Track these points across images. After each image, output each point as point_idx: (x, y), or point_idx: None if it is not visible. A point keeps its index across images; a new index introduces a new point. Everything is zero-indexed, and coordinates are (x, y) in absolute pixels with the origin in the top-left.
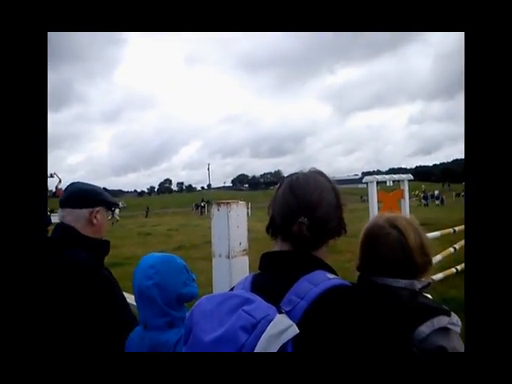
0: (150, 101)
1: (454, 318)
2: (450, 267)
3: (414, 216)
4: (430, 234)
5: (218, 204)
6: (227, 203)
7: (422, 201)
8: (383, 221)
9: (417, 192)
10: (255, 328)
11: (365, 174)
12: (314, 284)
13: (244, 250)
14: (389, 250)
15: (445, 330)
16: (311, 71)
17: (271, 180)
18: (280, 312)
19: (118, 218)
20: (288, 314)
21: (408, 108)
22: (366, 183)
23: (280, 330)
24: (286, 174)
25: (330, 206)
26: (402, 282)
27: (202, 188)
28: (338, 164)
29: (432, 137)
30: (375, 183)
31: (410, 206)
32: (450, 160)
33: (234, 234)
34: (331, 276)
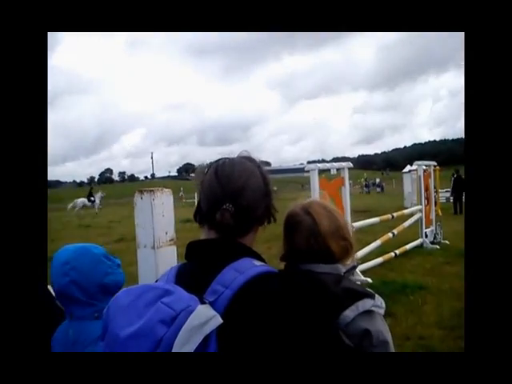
0: (88, 86)
1: (378, 300)
2: (389, 251)
3: (357, 203)
4: (370, 220)
5: (141, 192)
6: (150, 191)
7: (364, 188)
8: (299, 208)
9: (361, 180)
10: (174, 320)
11: (310, 163)
12: (239, 272)
13: (171, 240)
14: (302, 237)
15: (369, 313)
16: (258, 60)
17: None
18: (203, 302)
19: (97, 211)
20: (212, 304)
21: (352, 97)
22: (308, 171)
23: (201, 321)
24: None
25: (257, 193)
26: (326, 267)
27: (146, 178)
28: (285, 153)
29: (374, 126)
30: (316, 171)
31: (352, 194)
32: (390, 149)
33: (159, 223)
34: (258, 263)
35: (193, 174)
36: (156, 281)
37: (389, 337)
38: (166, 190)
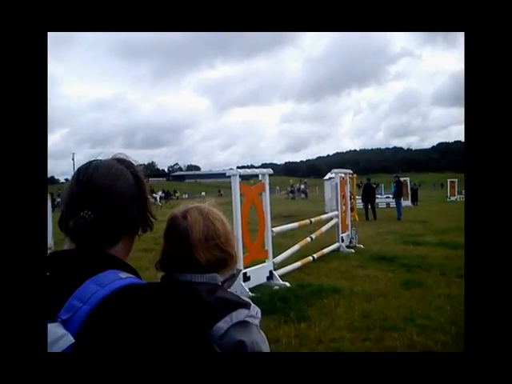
0: None
1: (254, 310)
2: (307, 255)
3: (282, 208)
4: (291, 225)
5: None
6: None
7: (290, 194)
8: (180, 212)
9: (292, 184)
10: None
11: (240, 168)
12: (100, 285)
13: (49, 248)
14: (174, 244)
15: (244, 324)
16: (192, 64)
17: (144, 172)
18: (54, 321)
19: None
20: (66, 321)
21: (280, 107)
22: (230, 176)
23: (50, 341)
24: (160, 167)
25: (125, 198)
26: (202, 277)
27: (67, 180)
28: (216, 158)
29: (300, 135)
30: (237, 176)
31: (278, 199)
32: (314, 157)
33: None
34: (124, 275)
35: None
36: None
37: (265, 347)
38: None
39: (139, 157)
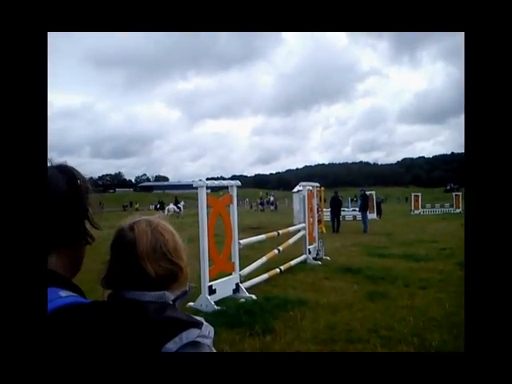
0: None
1: (206, 329)
2: (274, 268)
3: (251, 220)
4: (258, 237)
5: None
6: None
7: (259, 206)
8: (127, 223)
9: (261, 196)
10: None
11: (209, 179)
12: None
13: None
14: (120, 257)
15: (194, 344)
16: (164, 75)
17: (110, 183)
18: None
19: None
20: None
21: (251, 120)
22: (197, 188)
23: None
24: (127, 177)
25: (56, 207)
26: (150, 295)
27: None
28: (185, 169)
29: (271, 148)
30: (204, 188)
31: (243, 211)
32: (284, 170)
33: None
34: (64, 294)
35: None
36: None
37: None
38: None
39: (107, 167)
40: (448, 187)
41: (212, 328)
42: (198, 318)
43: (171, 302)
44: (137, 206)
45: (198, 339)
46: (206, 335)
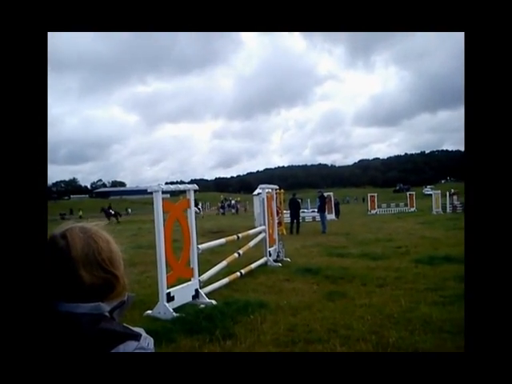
0: None
1: (145, 341)
2: (235, 271)
3: (212, 224)
4: (218, 241)
5: None
6: None
7: (220, 210)
8: (59, 231)
9: (222, 200)
10: None
11: (168, 183)
12: None
13: None
14: (52, 265)
15: None
16: (122, 79)
17: (65, 189)
18: None
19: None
20: None
21: (212, 124)
22: (151, 192)
23: None
24: (83, 183)
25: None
26: (84, 307)
27: None
28: (144, 174)
29: (231, 151)
30: (160, 193)
31: (204, 215)
32: (245, 173)
33: None
34: None
35: None
36: None
37: None
38: None
39: (61, 173)
40: (398, 187)
41: (151, 339)
42: (137, 328)
43: (107, 314)
44: (80, 213)
45: (137, 351)
46: (144, 347)
